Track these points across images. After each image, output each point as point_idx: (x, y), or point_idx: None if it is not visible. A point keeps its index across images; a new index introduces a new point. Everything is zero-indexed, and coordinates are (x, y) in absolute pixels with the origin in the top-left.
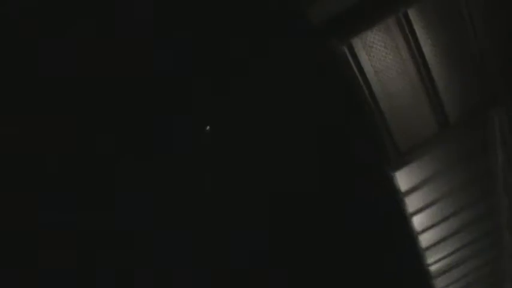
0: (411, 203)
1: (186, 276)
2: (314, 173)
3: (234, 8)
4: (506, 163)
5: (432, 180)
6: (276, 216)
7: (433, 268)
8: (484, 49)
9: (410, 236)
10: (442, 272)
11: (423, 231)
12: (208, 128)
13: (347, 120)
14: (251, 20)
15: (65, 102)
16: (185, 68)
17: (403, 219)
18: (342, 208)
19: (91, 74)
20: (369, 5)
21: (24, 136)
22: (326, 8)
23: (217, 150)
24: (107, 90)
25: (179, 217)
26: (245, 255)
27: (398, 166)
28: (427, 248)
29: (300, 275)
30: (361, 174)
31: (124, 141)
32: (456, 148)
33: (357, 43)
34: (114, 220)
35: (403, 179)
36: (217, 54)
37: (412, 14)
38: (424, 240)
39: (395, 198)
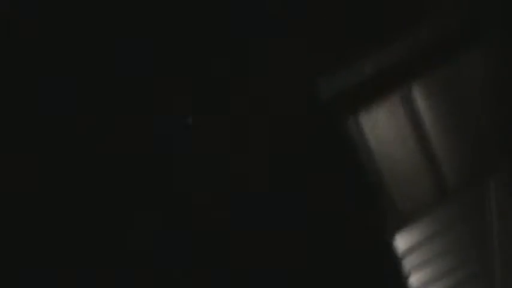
0: (406, 263)
1: None
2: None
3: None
4: (501, 226)
5: (428, 241)
6: None
7: None
8: (483, 122)
9: None
10: None
11: None
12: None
13: (348, 187)
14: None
15: None
16: None
17: (400, 280)
18: (340, 269)
19: None
20: (374, 82)
21: None
22: (333, 84)
23: None
24: None
25: None
26: None
27: (397, 229)
28: None
29: None
30: (359, 237)
31: None
32: (454, 211)
33: (362, 118)
34: None
35: (401, 241)
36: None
37: (416, 91)
38: None
39: (393, 260)
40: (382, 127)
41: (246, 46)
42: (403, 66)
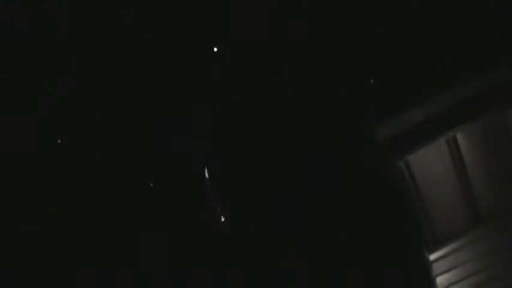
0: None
1: None
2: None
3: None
4: None
5: (462, 266)
6: None
7: None
8: None
9: None
10: None
11: None
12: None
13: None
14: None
15: None
16: None
17: None
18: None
19: None
20: (424, 128)
21: None
22: (388, 129)
23: None
24: None
25: None
26: None
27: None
28: None
29: None
30: (398, 258)
31: None
32: (488, 241)
33: (411, 158)
34: None
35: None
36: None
37: (460, 137)
38: None
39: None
40: (427, 168)
41: None
42: (450, 114)
